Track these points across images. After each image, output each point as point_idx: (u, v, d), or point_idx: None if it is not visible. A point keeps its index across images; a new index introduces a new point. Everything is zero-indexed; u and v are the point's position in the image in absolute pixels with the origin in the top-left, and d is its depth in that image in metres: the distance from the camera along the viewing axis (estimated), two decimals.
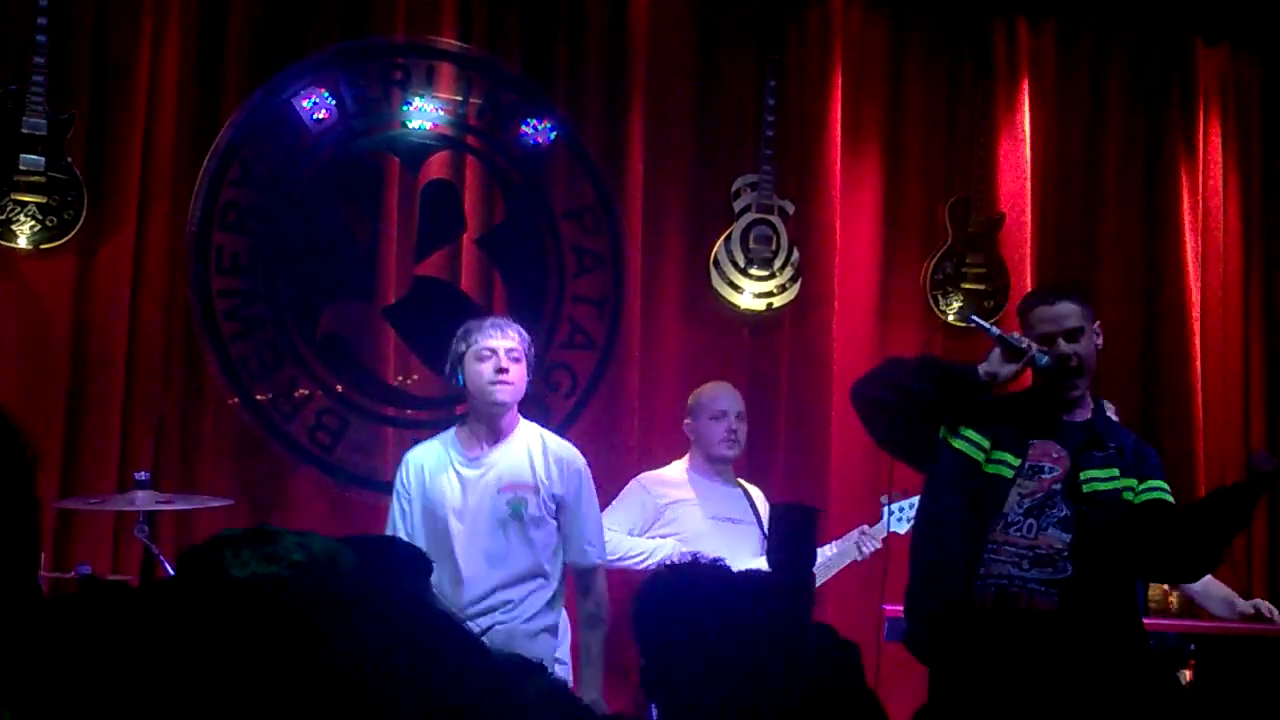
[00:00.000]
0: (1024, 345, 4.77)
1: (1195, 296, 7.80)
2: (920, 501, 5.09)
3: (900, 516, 5.99)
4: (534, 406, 5.86)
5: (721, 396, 6.47)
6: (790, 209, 7.26)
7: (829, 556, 6.33)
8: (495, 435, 5.47)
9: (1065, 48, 7.86)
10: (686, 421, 6.51)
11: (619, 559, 6.10)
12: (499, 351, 5.38)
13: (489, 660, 1.86)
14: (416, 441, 6.62)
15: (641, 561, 6.14)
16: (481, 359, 5.39)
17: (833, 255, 7.29)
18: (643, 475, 6.45)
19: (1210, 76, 8.07)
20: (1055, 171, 7.77)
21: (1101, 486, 4.86)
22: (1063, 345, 4.83)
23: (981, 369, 4.81)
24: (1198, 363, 7.73)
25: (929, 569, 4.93)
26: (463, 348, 5.43)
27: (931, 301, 7.51)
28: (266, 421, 6.52)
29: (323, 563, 2.15)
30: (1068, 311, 4.90)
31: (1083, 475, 4.83)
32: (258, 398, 6.53)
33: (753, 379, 7.17)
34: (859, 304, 7.41)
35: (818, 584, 6.24)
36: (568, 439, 5.88)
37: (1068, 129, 7.83)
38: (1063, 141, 7.81)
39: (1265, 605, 6.16)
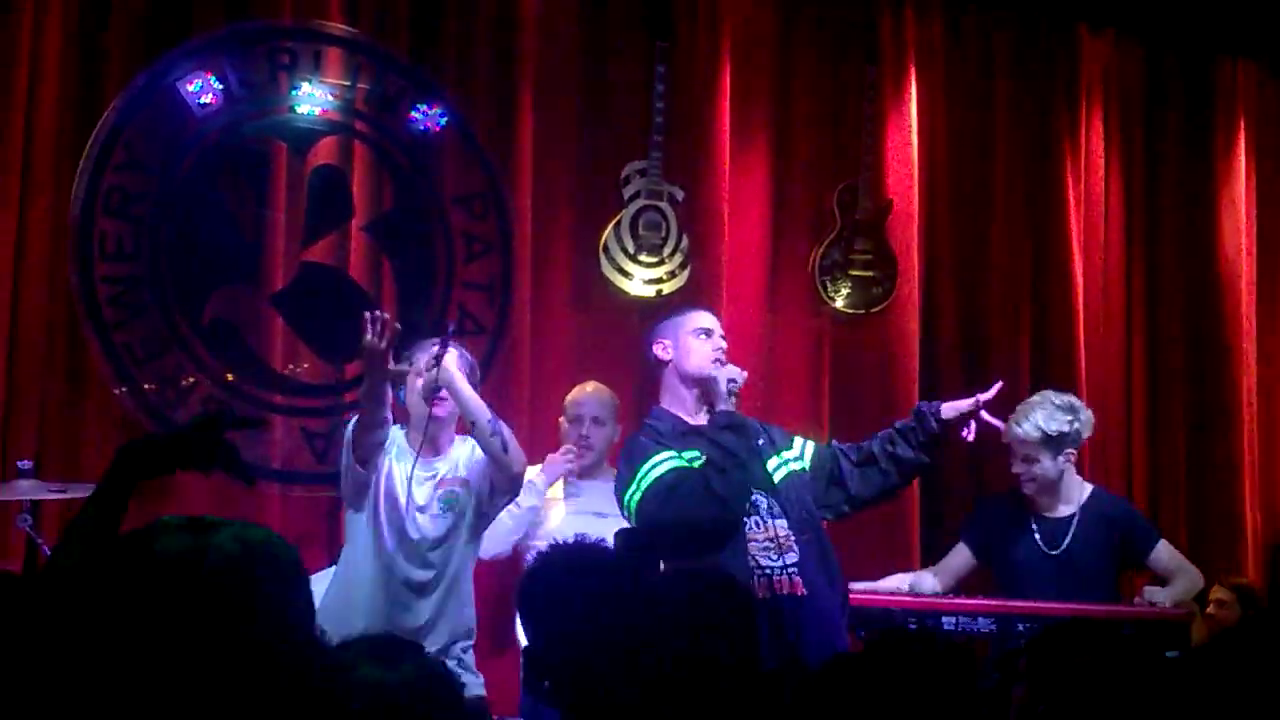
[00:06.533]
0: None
1: (1080, 282, 7.89)
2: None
3: None
4: None
5: (580, 400, 6.52)
6: (680, 195, 7.26)
7: None
8: (434, 450, 5.57)
9: (952, 35, 7.93)
10: (560, 420, 6.54)
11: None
12: None
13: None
14: (305, 430, 6.61)
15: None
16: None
17: (721, 242, 7.32)
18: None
19: (1094, 64, 8.17)
20: (943, 158, 7.84)
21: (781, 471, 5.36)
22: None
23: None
24: (1081, 348, 7.83)
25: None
26: (405, 366, 5.53)
27: (820, 288, 7.54)
28: (151, 409, 6.40)
29: (262, 552, 2.17)
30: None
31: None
32: (144, 386, 6.43)
33: (642, 366, 7.16)
34: (748, 290, 7.43)
35: None
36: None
37: (955, 116, 7.90)
38: (950, 129, 7.88)
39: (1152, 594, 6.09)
